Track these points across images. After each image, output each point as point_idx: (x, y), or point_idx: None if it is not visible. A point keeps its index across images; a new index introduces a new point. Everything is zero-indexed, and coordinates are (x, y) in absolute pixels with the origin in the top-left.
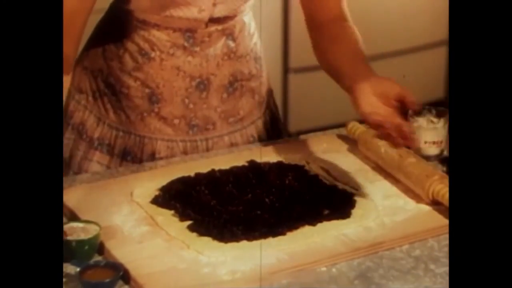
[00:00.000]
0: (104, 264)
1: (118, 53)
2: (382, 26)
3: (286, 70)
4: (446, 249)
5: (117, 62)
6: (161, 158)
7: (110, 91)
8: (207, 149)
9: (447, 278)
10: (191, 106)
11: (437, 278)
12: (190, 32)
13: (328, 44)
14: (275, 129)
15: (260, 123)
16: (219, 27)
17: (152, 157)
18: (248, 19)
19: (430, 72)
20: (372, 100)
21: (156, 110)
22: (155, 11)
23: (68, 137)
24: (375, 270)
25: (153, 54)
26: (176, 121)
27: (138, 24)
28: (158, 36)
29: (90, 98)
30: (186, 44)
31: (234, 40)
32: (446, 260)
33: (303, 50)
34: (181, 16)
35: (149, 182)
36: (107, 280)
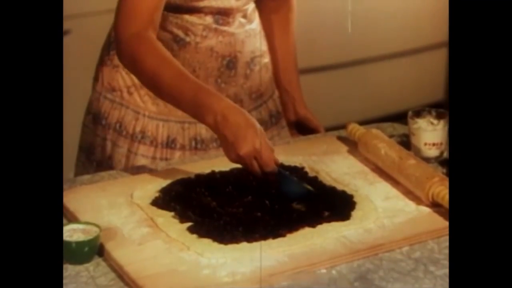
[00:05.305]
0: None
1: None
2: (382, 28)
3: None
4: (446, 251)
5: None
6: (202, 142)
7: None
8: None
9: (447, 280)
10: (223, 85)
11: (437, 280)
12: (220, 15)
13: None
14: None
15: (275, 97)
16: (241, 9)
17: (195, 141)
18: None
19: (430, 73)
20: None
21: None
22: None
23: (104, 137)
24: (375, 272)
25: (188, 39)
26: None
27: (169, 13)
28: (191, 20)
29: (125, 94)
30: (215, 25)
31: (248, 20)
32: (446, 262)
33: (303, 52)
34: (219, 5)
35: (149, 184)
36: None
